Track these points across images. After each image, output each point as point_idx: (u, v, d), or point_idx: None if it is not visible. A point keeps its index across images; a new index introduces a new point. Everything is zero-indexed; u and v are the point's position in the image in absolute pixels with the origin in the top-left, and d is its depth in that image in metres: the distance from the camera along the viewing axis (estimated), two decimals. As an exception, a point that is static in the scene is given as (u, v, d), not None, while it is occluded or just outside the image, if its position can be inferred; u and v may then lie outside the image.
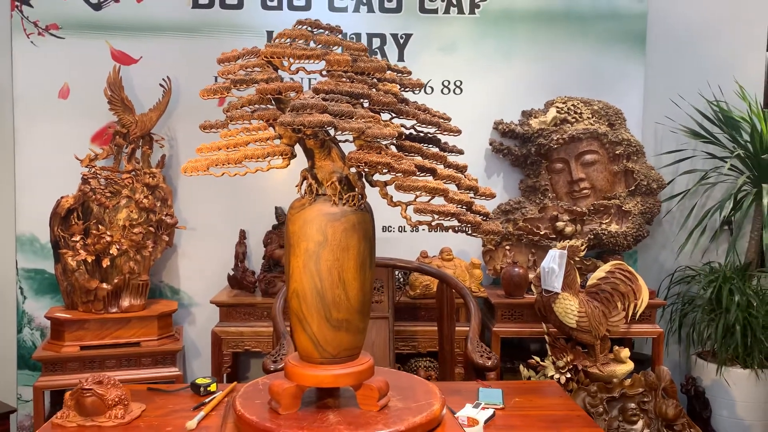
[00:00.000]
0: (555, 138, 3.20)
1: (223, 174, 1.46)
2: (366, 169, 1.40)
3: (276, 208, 3.20)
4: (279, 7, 3.25)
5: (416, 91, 1.62)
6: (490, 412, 1.67)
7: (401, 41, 3.30)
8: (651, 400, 2.42)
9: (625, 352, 2.62)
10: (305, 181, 1.50)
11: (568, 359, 2.59)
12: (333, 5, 3.27)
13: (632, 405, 2.38)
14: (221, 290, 3.17)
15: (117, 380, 1.64)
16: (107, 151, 3.06)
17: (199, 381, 1.81)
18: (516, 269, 3.05)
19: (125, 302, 2.93)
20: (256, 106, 1.52)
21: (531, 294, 2.94)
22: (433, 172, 1.44)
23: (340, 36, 1.55)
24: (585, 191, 3.26)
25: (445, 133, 1.58)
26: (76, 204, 2.90)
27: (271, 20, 3.24)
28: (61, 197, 2.90)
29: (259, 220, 3.24)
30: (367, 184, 1.50)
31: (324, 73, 1.51)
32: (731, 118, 3.29)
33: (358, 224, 1.47)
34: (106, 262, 2.90)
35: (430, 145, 1.57)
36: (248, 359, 3.37)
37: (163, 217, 3.03)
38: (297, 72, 1.55)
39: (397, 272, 3.05)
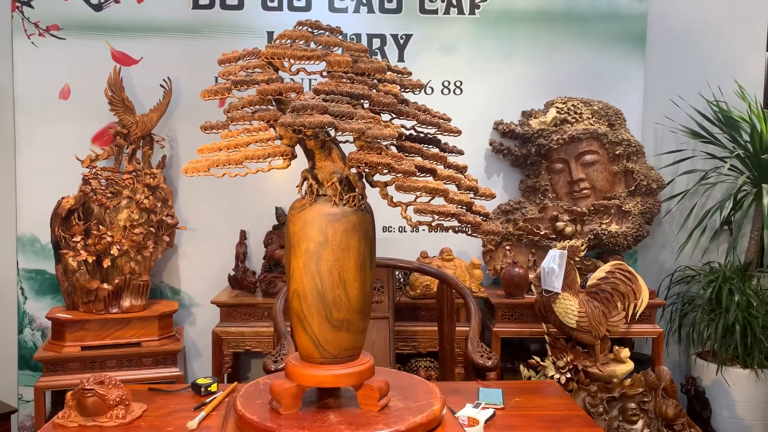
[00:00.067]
0: (555, 138, 3.21)
1: (223, 174, 1.47)
2: (366, 170, 1.40)
3: (276, 208, 3.20)
4: (279, 8, 3.25)
5: (416, 92, 1.62)
6: (490, 412, 1.67)
7: (401, 42, 3.31)
8: (651, 400, 2.42)
9: (625, 352, 2.62)
10: (306, 182, 1.50)
11: (568, 359, 2.59)
12: (333, 6, 3.28)
13: (632, 405, 2.39)
14: (222, 290, 3.18)
15: (118, 380, 1.65)
16: (108, 151, 3.07)
17: (199, 381, 1.81)
18: (516, 269, 3.05)
19: (126, 302, 2.94)
20: (257, 106, 1.52)
21: (531, 294, 2.94)
22: (433, 172, 1.44)
23: (340, 37, 1.55)
24: (585, 191, 3.26)
25: (445, 133, 1.58)
26: (77, 204, 2.90)
27: (272, 21, 3.25)
28: (62, 198, 2.90)
29: (259, 220, 3.24)
30: (367, 185, 1.50)
31: (324, 74, 1.51)
32: (731, 118, 3.29)
33: (358, 225, 1.47)
34: (106, 263, 2.90)
35: (430, 146, 1.57)
36: (249, 359, 3.37)
37: (164, 218, 3.04)
38: (297, 73, 1.56)
39: (397, 272, 3.05)
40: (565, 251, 2.59)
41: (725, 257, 3.33)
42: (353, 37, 3.28)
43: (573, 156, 3.24)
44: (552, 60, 3.35)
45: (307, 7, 3.26)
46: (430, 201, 1.42)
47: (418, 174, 1.41)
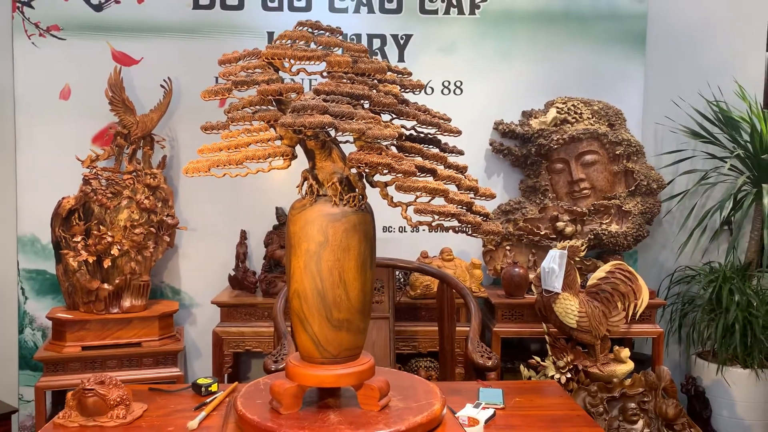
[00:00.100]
0: (555, 138, 3.21)
1: (224, 175, 1.47)
2: (366, 170, 1.41)
3: (277, 208, 3.20)
4: (279, 8, 3.25)
5: (416, 92, 1.62)
6: (490, 411, 1.67)
7: (401, 42, 3.31)
8: (651, 399, 2.42)
9: (626, 352, 2.63)
10: (306, 182, 1.50)
11: (569, 359, 2.59)
12: (333, 6, 3.28)
13: (632, 405, 2.39)
14: (222, 290, 3.18)
15: (119, 380, 1.65)
16: (108, 151, 3.07)
17: (200, 381, 1.81)
18: (516, 269, 3.05)
19: (126, 303, 2.94)
20: (257, 107, 1.52)
21: (531, 294, 2.94)
22: (433, 172, 1.45)
23: (340, 37, 1.55)
24: (585, 191, 3.26)
25: (446, 133, 1.58)
26: (78, 205, 2.90)
27: (272, 21, 3.25)
28: (63, 198, 2.90)
29: (259, 220, 3.24)
30: (367, 185, 1.50)
31: (325, 74, 1.51)
32: (731, 119, 3.29)
33: (358, 225, 1.47)
34: (107, 263, 2.91)
35: (431, 146, 1.57)
36: (249, 359, 3.37)
37: (164, 218, 3.04)
38: (298, 73, 1.56)
39: (397, 272, 3.05)
40: (566, 251, 2.60)
41: (725, 257, 3.33)
42: (353, 37, 3.28)
43: (573, 156, 3.25)
44: (552, 60, 3.35)
45: (308, 8, 3.27)
46: (430, 201, 1.42)
47: (418, 174, 1.41)
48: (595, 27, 3.35)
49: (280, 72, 1.56)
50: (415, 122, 1.55)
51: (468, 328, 2.31)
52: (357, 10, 3.28)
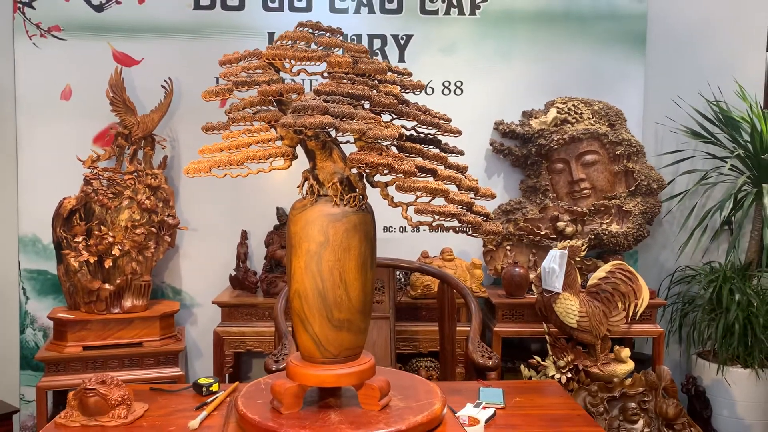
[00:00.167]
0: (555, 138, 3.21)
1: (225, 175, 1.48)
2: (367, 170, 1.41)
3: (277, 208, 3.20)
4: (280, 9, 3.26)
5: (417, 93, 1.62)
6: (491, 411, 1.67)
7: (402, 42, 3.31)
8: (651, 399, 2.42)
9: (626, 352, 2.63)
10: (307, 182, 1.51)
11: (569, 359, 2.59)
12: (334, 6, 3.28)
13: (633, 404, 2.39)
14: (223, 291, 3.18)
15: (120, 380, 1.65)
16: (109, 152, 3.07)
17: (201, 381, 1.81)
18: (517, 269, 3.06)
19: (127, 303, 2.94)
20: (258, 107, 1.53)
21: (532, 294, 2.94)
22: (433, 172, 1.45)
23: (341, 38, 1.56)
24: (585, 191, 3.26)
25: (446, 134, 1.58)
26: (79, 205, 2.91)
27: (273, 22, 3.25)
28: (64, 198, 2.91)
29: (260, 220, 3.25)
30: (368, 185, 1.51)
31: (325, 74, 1.52)
32: (731, 119, 3.29)
33: (359, 225, 1.48)
34: (108, 263, 2.91)
35: (431, 146, 1.58)
36: (250, 359, 3.38)
37: (165, 218, 3.04)
38: (298, 74, 1.57)
39: (398, 272, 3.05)
40: (566, 251, 2.60)
41: (726, 257, 3.34)
42: (354, 37, 3.28)
43: (573, 156, 3.25)
44: (552, 60, 3.36)
45: (308, 8, 3.27)
46: (430, 201, 1.43)
47: (418, 174, 1.41)
48: (595, 27, 3.35)
49: (280, 72, 1.57)
50: (415, 122, 1.55)
51: (468, 328, 2.32)
52: (357, 11, 3.29)
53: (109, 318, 2.87)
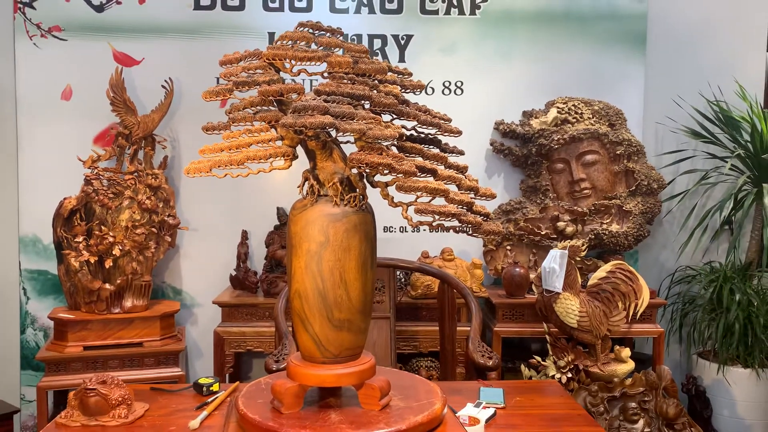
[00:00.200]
0: (556, 138, 3.21)
1: (225, 175, 1.48)
2: (367, 170, 1.41)
3: (278, 208, 3.20)
4: (280, 9, 3.26)
5: (417, 93, 1.62)
6: (491, 411, 1.67)
7: (402, 42, 3.31)
8: (652, 399, 2.42)
9: (626, 352, 2.63)
10: (307, 182, 1.51)
11: (569, 359, 2.59)
12: (334, 6, 3.28)
13: (633, 404, 2.39)
14: (223, 291, 3.18)
15: (120, 380, 1.65)
16: (110, 152, 3.08)
17: (201, 381, 1.82)
18: (517, 269, 3.06)
19: (128, 303, 2.95)
20: (258, 107, 1.53)
21: (532, 294, 2.94)
22: (433, 172, 1.45)
23: (341, 38, 1.56)
24: (586, 191, 3.27)
25: (446, 134, 1.59)
26: (79, 205, 2.91)
27: (273, 22, 3.25)
28: (64, 198, 2.91)
29: (261, 220, 3.25)
30: (368, 185, 1.51)
31: (325, 74, 1.52)
32: (731, 118, 3.30)
33: (359, 225, 1.48)
34: (108, 263, 2.91)
35: (431, 146, 1.58)
36: (250, 359, 3.38)
37: (166, 218, 3.04)
38: (299, 74, 1.57)
39: (398, 272, 3.06)
40: (566, 251, 2.60)
41: (726, 257, 3.34)
42: (354, 37, 3.29)
43: (574, 156, 3.25)
44: (552, 60, 3.36)
45: (308, 8, 3.27)
46: (430, 201, 1.43)
47: (418, 174, 1.41)
48: (596, 27, 3.35)
49: (281, 73, 1.57)
50: (415, 122, 1.55)
51: (469, 328, 2.32)
52: (358, 11, 3.29)
53: (109, 318, 2.88)
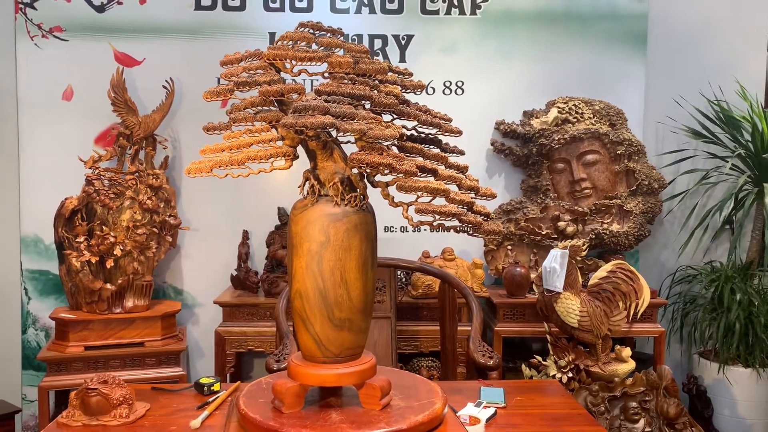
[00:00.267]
0: (556, 138, 3.21)
1: (226, 175, 1.48)
2: (368, 170, 1.41)
3: (279, 208, 3.21)
4: (281, 9, 3.26)
5: (417, 93, 1.62)
6: (491, 410, 1.68)
7: (403, 42, 3.31)
8: (652, 399, 2.42)
9: (627, 352, 2.63)
10: (308, 182, 1.51)
11: (570, 358, 2.60)
12: (335, 7, 3.28)
13: (634, 404, 2.39)
14: (224, 291, 3.19)
15: (121, 380, 1.66)
16: (111, 152, 3.08)
17: (202, 380, 1.82)
18: (518, 269, 3.06)
19: (129, 303, 2.95)
20: (259, 107, 1.53)
21: (533, 294, 2.94)
22: (434, 172, 1.45)
23: (341, 38, 1.56)
24: (586, 191, 3.27)
25: (447, 133, 1.59)
26: (80, 205, 2.91)
27: (273, 22, 3.26)
28: (65, 198, 2.91)
29: (261, 220, 3.25)
30: (368, 185, 1.51)
31: (326, 75, 1.52)
32: (732, 118, 3.30)
33: (360, 225, 1.48)
34: (110, 263, 2.91)
35: (432, 146, 1.58)
36: (251, 359, 3.38)
37: (167, 218, 3.05)
38: (299, 74, 1.57)
39: (399, 272, 3.06)
40: (567, 251, 2.60)
41: (727, 257, 3.34)
42: (355, 38, 3.29)
43: (574, 156, 3.25)
44: (553, 60, 3.36)
45: (309, 8, 3.27)
46: (431, 201, 1.43)
47: (419, 174, 1.42)
48: (596, 27, 3.35)
49: (281, 73, 1.57)
50: (416, 122, 1.55)
51: (469, 328, 2.32)
52: (358, 11, 3.29)
53: (110, 318, 2.88)
